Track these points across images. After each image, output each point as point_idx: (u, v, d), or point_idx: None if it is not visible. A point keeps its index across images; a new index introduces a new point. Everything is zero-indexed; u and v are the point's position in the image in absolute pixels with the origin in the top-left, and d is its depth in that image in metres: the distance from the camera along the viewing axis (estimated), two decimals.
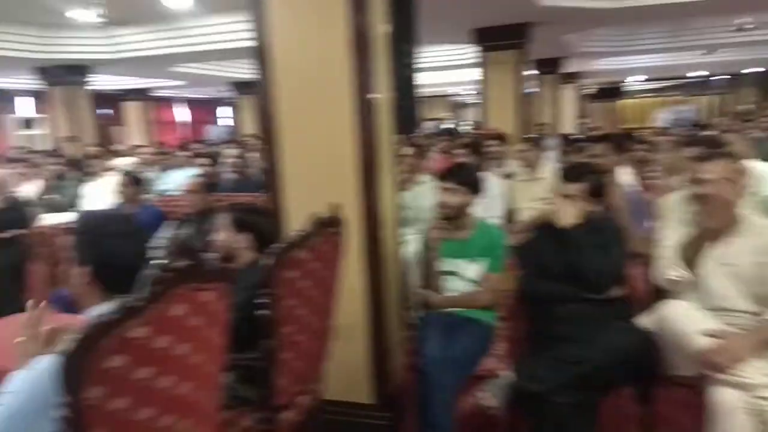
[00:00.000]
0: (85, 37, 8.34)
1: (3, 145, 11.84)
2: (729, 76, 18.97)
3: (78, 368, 0.97)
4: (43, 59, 8.35)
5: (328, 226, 1.94)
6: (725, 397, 1.76)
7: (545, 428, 2.06)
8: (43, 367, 1.14)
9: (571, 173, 2.32)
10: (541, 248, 2.33)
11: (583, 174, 2.27)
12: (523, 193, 3.95)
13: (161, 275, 1.11)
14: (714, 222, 2.06)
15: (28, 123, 12.41)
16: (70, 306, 1.63)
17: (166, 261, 1.13)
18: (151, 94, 14.68)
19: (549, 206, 2.29)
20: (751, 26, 9.72)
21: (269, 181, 2.48)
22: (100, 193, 5.09)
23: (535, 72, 11.09)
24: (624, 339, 2.06)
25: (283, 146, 2.41)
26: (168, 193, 5.39)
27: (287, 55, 2.33)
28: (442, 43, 9.95)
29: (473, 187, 2.46)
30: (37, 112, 13.10)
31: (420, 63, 3.11)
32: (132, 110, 14.32)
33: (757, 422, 1.70)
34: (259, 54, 2.36)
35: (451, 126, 14.51)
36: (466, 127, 16.08)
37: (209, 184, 3.80)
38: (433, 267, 2.47)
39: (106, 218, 1.52)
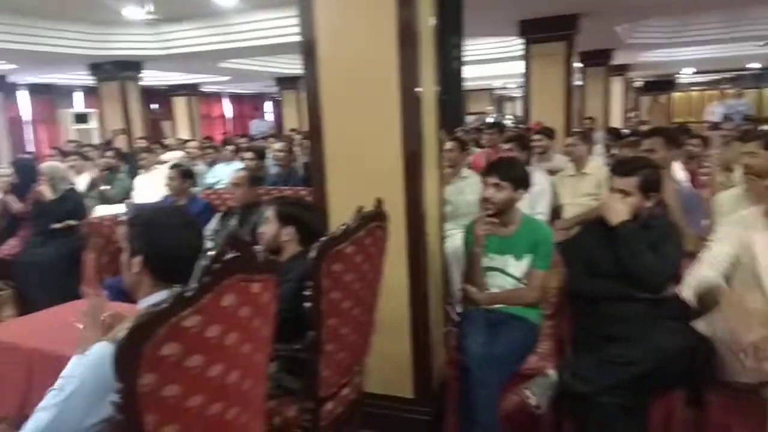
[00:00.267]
0: (137, 33, 8.59)
1: (60, 138, 12.34)
2: None
3: (133, 355, 0.99)
4: (97, 55, 8.65)
5: (372, 220, 1.94)
6: None
7: (591, 430, 2.02)
8: (100, 353, 1.18)
9: (623, 167, 2.24)
10: (589, 245, 2.27)
11: (636, 168, 2.19)
12: (568, 188, 3.86)
13: (213, 266, 1.13)
14: None
15: (81, 117, 12.89)
16: (123, 294, 1.69)
17: (217, 252, 1.15)
18: (198, 90, 15.02)
19: (598, 202, 2.23)
20: None
21: (314, 174, 2.49)
22: (150, 186, 5.24)
23: (580, 65, 10.81)
24: (677, 340, 1.99)
25: (328, 140, 2.42)
26: (215, 186, 5.51)
27: (333, 49, 2.34)
28: (486, 36, 9.82)
29: (520, 182, 2.41)
30: (87, 107, 13.58)
31: (464, 56, 3.07)
32: (180, 105, 14.68)
33: None
34: (306, 49, 2.37)
35: (497, 119, 14.30)
36: (507, 121, 15.84)
37: (254, 178, 3.86)
38: (477, 263, 2.43)
39: (159, 210, 1.57)
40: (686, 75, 19.05)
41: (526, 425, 2.23)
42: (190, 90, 14.48)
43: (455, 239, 3.41)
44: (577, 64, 10.22)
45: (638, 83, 19.20)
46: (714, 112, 17.22)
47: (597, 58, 10.96)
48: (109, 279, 3.61)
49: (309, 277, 1.70)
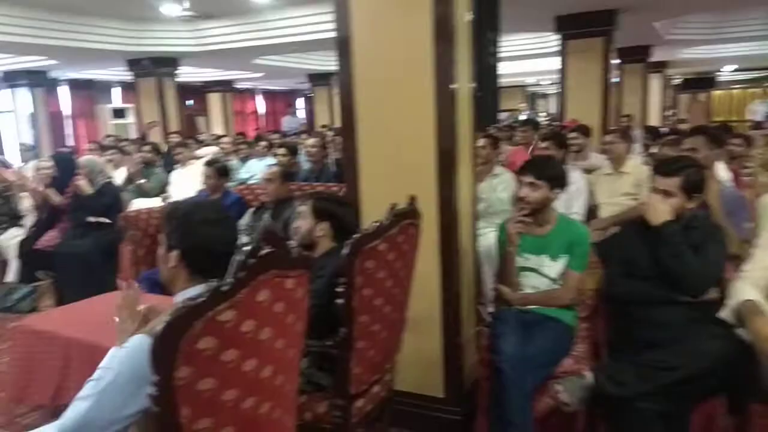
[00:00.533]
0: (174, 30, 8.74)
1: (98, 133, 12.65)
2: None
3: (170, 348, 1.00)
4: (135, 51, 8.83)
5: (406, 217, 1.92)
6: None
7: None
8: (137, 345, 1.20)
9: (666, 167, 2.17)
10: (628, 245, 2.21)
11: (679, 168, 2.12)
12: (605, 188, 3.77)
13: (249, 261, 1.13)
14: None
15: (119, 113, 13.19)
16: (158, 286, 1.71)
17: (253, 247, 1.15)
18: (233, 86, 15.21)
19: (636, 202, 2.17)
20: None
21: (347, 171, 2.49)
22: (186, 181, 5.33)
23: (617, 61, 10.58)
24: (719, 346, 1.93)
25: (362, 137, 2.41)
26: (248, 181, 5.57)
27: (368, 45, 2.33)
28: (521, 32, 9.69)
29: (556, 182, 2.35)
30: (124, 102, 13.88)
31: (499, 52, 3.02)
32: (214, 101, 14.90)
33: None
34: (341, 45, 2.37)
35: (531, 116, 14.11)
36: (540, 118, 15.61)
37: (286, 174, 3.88)
38: (511, 262, 2.39)
39: (196, 205, 1.58)
40: (727, 72, 18.47)
41: (561, 428, 2.19)
42: (224, 86, 14.69)
43: (487, 237, 3.37)
44: (614, 61, 10.01)
45: (677, 81, 18.69)
46: (756, 110, 16.65)
47: (635, 55, 10.72)
48: (145, 271, 3.68)
49: (342, 274, 1.70)
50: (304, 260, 1.35)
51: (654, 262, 2.09)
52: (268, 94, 19.29)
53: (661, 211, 2.08)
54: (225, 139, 7.71)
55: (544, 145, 3.86)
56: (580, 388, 2.05)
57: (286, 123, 14.52)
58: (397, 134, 2.34)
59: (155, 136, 8.93)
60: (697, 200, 2.14)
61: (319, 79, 13.83)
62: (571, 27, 7.27)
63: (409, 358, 2.27)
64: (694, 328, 1.99)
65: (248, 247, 1.16)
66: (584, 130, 4.73)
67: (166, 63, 9.54)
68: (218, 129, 13.82)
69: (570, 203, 3.46)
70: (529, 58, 11.45)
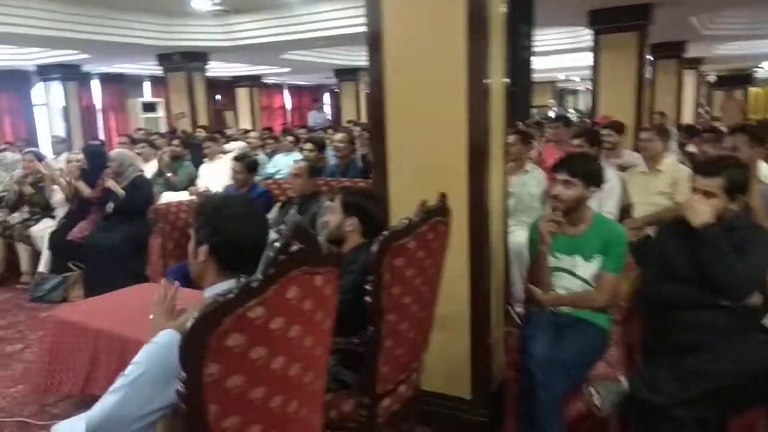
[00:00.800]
0: (204, 25, 8.83)
1: (129, 126, 12.86)
2: None
3: (199, 345, 0.99)
4: (165, 46, 8.94)
5: (435, 215, 1.89)
6: None
7: None
8: (167, 341, 1.19)
9: (707, 167, 2.08)
10: (666, 247, 2.13)
11: (721, 168, 2.03)
12: (640, 186, 3.67)
13: (279, 258, 1.11)
14: None
15: (149, 106, 13.37)
16: (185, 280, 1.71)
17: (283, 243, 1.13)
18: (260, 81, 15.31)
19: (672, 201, 2.08)
20: None
21: (376, 167, 2.46)
22: (214, 175, 5.36)
23: (650, 57, 10.34)
24: (760, 353, 1.85)
25: (391, 132, 2.37)
26: (275, 176, 5.59)
27: (399, 39, 2.29)
28: (553, 26, 9.53)
29: (592, 179, 2.27)
30: (154, 96, 14.07)
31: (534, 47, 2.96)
32: (242, 96, 15.03)
33: None
34: (371, 39, 2.33)
35: (564, 113, 13.89)
36: (570, 114, 15.36)
37: (313, 169, 3.87)
38: (543, 262, 2.33)
39: (225, 200, 1.57)
40: (765, 69, 17.92)
41: None
42: (252, 81, 14.81)
43: (516, 235, 3.31)
44: (647, 57, 9.78)
45: (711, 77, 18.20)
46: None
47: (669, 50, 10.46)
48: (172, 264, 3.71)
49: (370, 271, 1.67)
50: (333, 257, 1.32)
51: (693, 265, 2.01)
52: (295, 89, 19.38)
53: (701, 212, 1.99)
54: (252, 134, 7.75)
55: (576, 142, 3.77)
56: (614, 393, 1.99)
57: (312, 118, 14.57)
58: (427, 130, 2.30)
59: (184, 125, 9.02)
60: (740, 201, 2.05)
61: (345, 74, 13.85)
62: (605, 21, 7.13)
63: (436, 358, 2.24)
64: (736, 334, 1.91)
65: (278, 243, 1.13)
66: (618, 127, 4.62)
67: (196, 57, 9.65)
68: (246, 124, 13.94)
69: (603, 202, 3.38)
70: (561, 53, 11.26)
